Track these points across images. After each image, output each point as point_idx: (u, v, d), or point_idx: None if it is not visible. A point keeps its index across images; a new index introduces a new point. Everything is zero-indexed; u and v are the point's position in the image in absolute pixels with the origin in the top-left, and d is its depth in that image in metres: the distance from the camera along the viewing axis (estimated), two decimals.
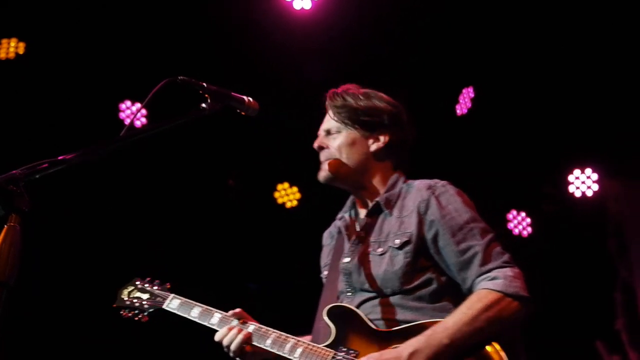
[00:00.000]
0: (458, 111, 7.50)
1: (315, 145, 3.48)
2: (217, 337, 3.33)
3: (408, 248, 3.19)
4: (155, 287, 3.69)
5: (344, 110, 3.43)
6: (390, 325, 3.13)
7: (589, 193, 7.61)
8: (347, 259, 3.34)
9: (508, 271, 3.05)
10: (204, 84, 3.01)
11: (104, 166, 6.46)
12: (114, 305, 3.74)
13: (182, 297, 3.56)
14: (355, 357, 3.08)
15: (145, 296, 3.67)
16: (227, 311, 3.41)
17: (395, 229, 3.26)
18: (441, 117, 7.43)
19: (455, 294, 3.16)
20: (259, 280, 8.19)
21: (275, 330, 3.28)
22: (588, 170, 7.61)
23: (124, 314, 3.69)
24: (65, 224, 6.95)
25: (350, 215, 3.51)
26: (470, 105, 7.45)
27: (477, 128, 7.46)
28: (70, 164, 2.55)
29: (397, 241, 3.22)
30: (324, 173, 3.42)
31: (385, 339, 3.08)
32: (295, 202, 8.08)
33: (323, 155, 3.44)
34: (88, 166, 3.27)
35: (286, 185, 8.10)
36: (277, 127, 7.13)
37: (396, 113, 3.46)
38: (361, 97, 3.45)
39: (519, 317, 3.02)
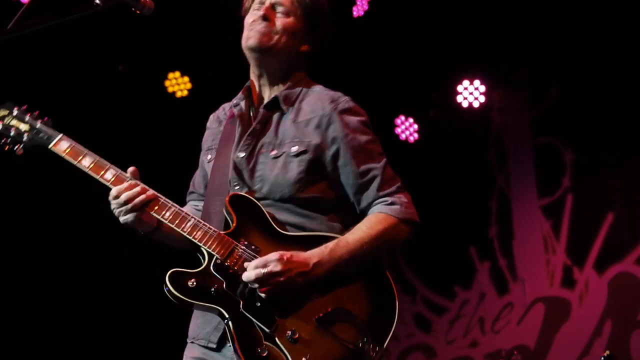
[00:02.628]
0: (354, 13, 7.47)
1: (262, 12, 3.29)
2: (114, 192, 3.10)
3: (304, 157, 3.19)
4: (38, 121, 3.25)
5: (308, 4, 3.32)
6: (282, 228, 3.14)
7: (476, 104, 7.77)
8: (242, 154, 3.25)
9: (403, 197, 3.20)
10: None
11: None
12: None
13: (72, 140, 3.21)
14: (256, 253, 3.06)
15: (23, 127, 3.24)
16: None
17: (292, 135, 3.23)
18: (337, 18, 7.39)
19: (343, 209, 3.26)
20: (145, 166, 8.16)
21: (174, 204, 3.13)
22: (476, 82, 7.74)
23: None
24: None
25: (243, 106, 3.40)
26: (367, 8, 7.43)
27: (372, 31, 7.46)
28: None
29: (295, 148, 3.20)
30: (254, 41, 3.27)
31: (287, 242, 3.10)
32: (185, 92, 7.99)
33: (264, 26, 3.27)
34: None
35: (177, 74, 7.99)
36: (171, 14, 6.98)
37: (330, 24, 3.43)
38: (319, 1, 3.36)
39: (409, 239, 3.22)
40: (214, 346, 3.13)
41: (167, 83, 8.00)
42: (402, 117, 8.20)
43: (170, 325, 4.03)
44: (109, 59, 7.49)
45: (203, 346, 3.18)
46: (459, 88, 7.76)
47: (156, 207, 3.10)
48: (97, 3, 2.92)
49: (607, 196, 7.38)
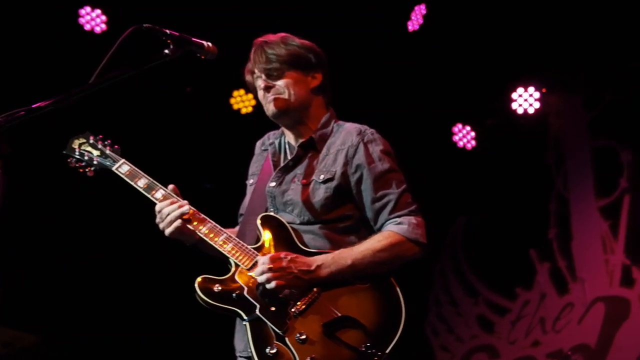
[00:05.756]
0: (410, 27, 7.72)
1: (263, 85, 3.69)
2: (157, 207, 3.58)
3: (330, 184, 3.58)
4: (108, 148, 3.83)
5: (277, 57, 3.66)
6: (303, 245, 3.54)
7: (531, 110, 7.92)
8: (273, 183, 3.69)
9: (413, 219, 3.53)
10: (167, 30, 3.28)
11: None
12: (64, 152, 3.87)
13: (131, 165, 3.75)
14: None
15: (95, 152, 3.83)
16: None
17: (321, 165, 3.64)
18: (393, 33, 7.66)
19: (365, 231, 3.62)
20: (214, 181, 8.56)
21: (211, 221, 3.58)
22: (531, 89, 7.90)
23: (71, 163, 3.85)
24: None
25: (280, 143, 3.84)
26: (422, 22, 7.67)
27: (427, 44, 7.70)
28: (44, 111, 2.82)
29: (322, 176, 3.60)
30: (272, 109, 3.68)
31: (305, 255, 3.47)
32: (250, 109, 8.34)
33: (271, 93, 3.68)
34: None
35: (242, 91, 8.35)
36: (232, 35, 7.33)
37: (319, 53, 3.79)
38: (286, 44, 3.70)
39: (416, 258, 3.54)
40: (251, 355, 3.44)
41: (232, 100, 8.37)
42: (459, 125, 8.41)
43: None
44: (177, 82, 7.88)
45: (246, 357, 3.56)
46: (514, 95, 7.93)
47: (195, 223, 3.56)
48: (166, 53, 3.27)
49: None
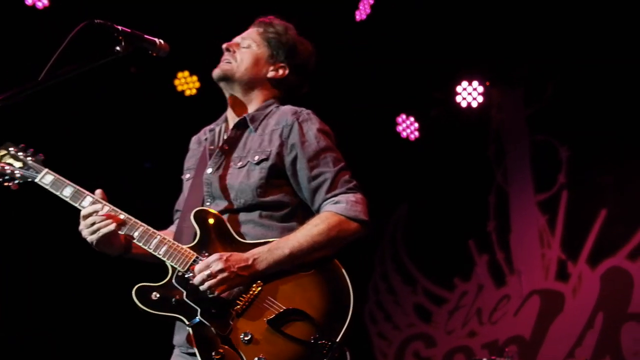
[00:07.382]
0: (357, 17, 7.71)
1: (225, 45, 3.67)
2: (85, 212, 3.38)
3: (264, 164, 3.47)
4: (29, 158, 3.61)
5: (272, 36, 3.66)
6: (241, 237, 3.42)
7: (474, 104, 8.03)
8: (209, 170, 3.57)
9: (351, 197, 3.42)
10: (119, 27, 3.23)
11: None
12: None
13: (55, 174, 3.54)
14: None
15: (17, 164, 3.60)
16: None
17: (256, 146, 3.54)
18: (340, 22, 7.64)
19: (304, 216, 3.51)
20: (157, 163, 8.49)
21: (143, 224, 3.41)
22: (475, 83, 7.99)
23: None
24: None
25: (220, 130, 3.75)
26: (369, 12, 7.67)
27: (374, 34, 7.70)
28: None
29: (257, 157, 3.50)
30: (218, 71, 3.65)
31: (245, 248, 3.34)
32: (194, 91, 8.27)
33: (226, 56, 3.66)
34: None
35: (186, 73, 8.27)
36: (179, 15, 7.25)
37: (306, 60, 3.73)
38: (287, 33, 3.69)
39: (359, 237, 3.40)
40: (193, 351, 3.32)
41: (176, 82, 8.28)
42: (403, 116, 8.47)
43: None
44: (121, 62, 7.74)
45: (184, 353, 3.46)
46: (458, 89, 8.01)
47: (126, 228, 3.40)
48: (117, 50, 3.23)
49: (601, 193, 7.60)
